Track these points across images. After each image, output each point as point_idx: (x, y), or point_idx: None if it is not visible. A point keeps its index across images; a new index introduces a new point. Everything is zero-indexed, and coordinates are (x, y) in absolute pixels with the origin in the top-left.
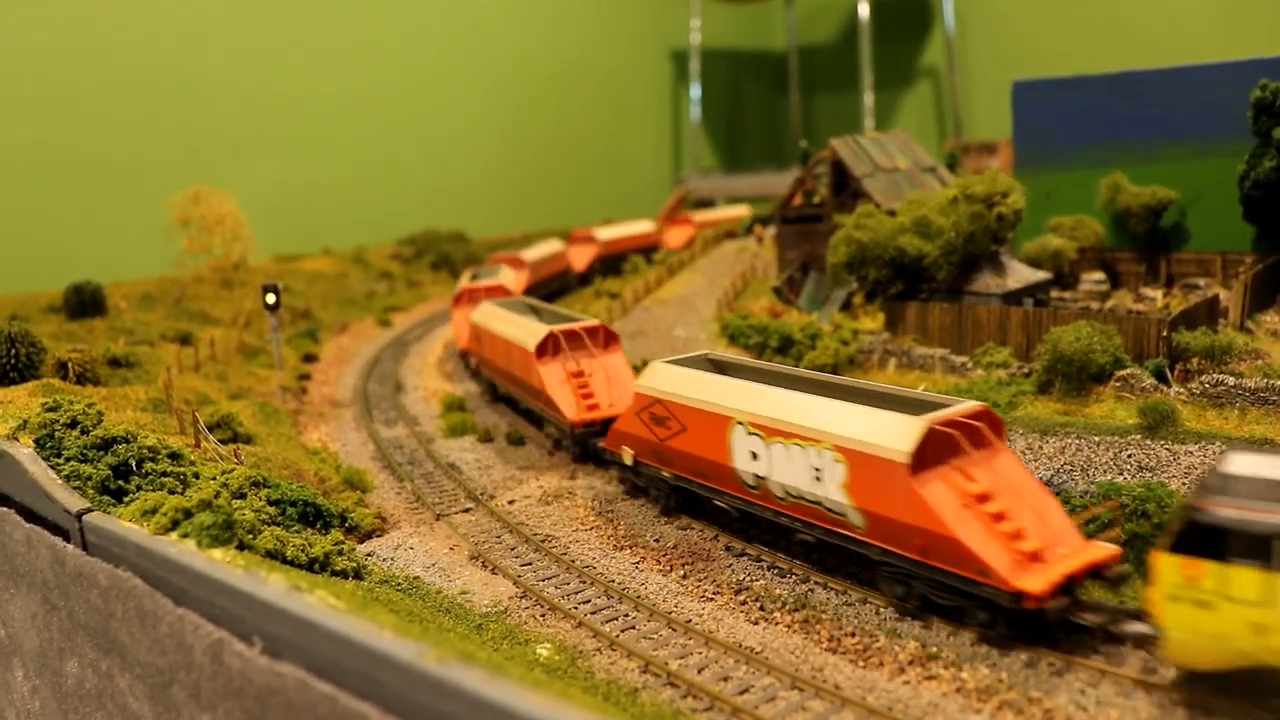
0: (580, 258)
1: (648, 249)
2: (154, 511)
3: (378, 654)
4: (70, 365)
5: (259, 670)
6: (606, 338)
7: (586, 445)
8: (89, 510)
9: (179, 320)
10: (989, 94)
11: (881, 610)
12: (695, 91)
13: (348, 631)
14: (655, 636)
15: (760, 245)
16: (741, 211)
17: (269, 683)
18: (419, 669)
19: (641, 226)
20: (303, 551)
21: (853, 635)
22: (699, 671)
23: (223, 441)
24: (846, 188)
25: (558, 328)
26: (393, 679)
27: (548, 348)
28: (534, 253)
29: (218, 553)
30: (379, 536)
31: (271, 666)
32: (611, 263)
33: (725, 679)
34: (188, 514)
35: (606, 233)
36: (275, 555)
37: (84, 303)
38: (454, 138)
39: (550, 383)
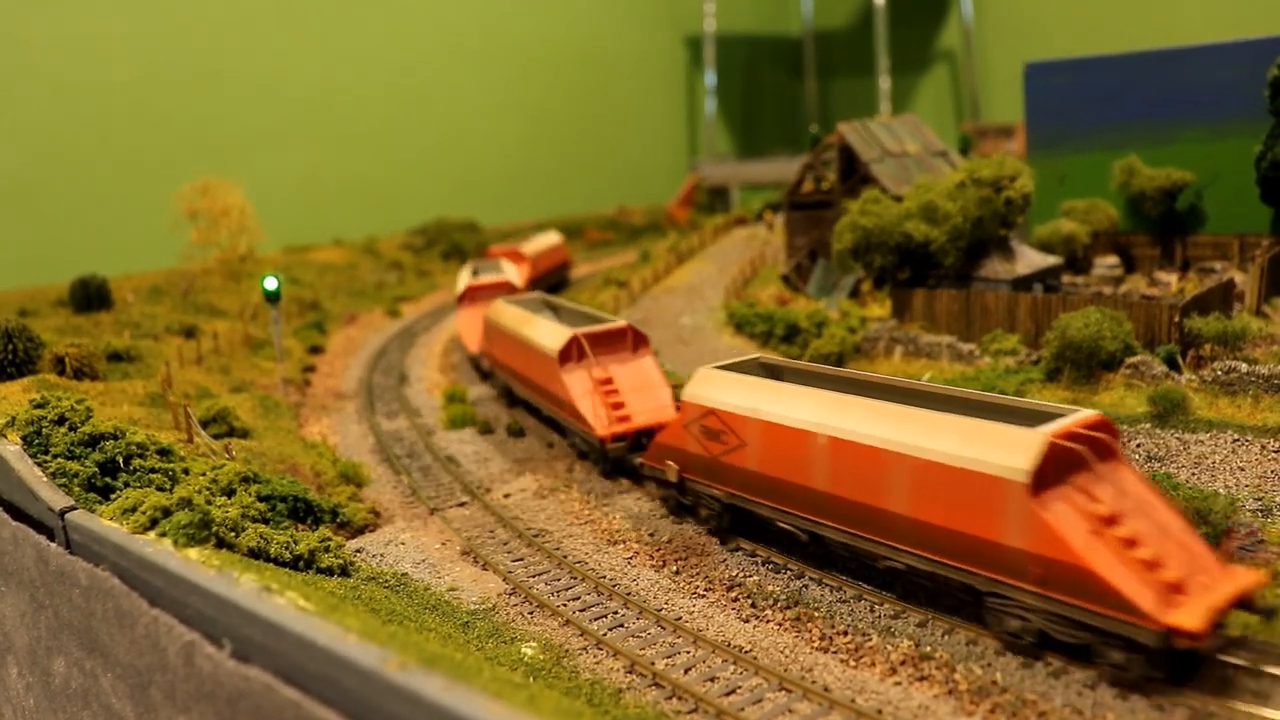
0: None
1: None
2: (134, 510)
3: (339, 658)
4: (67, 360)
5: (228, 673)
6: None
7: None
8: (72, 508)
9: (186, 313)
10: (1006, 77)
11: (876, 608)
12: (710, 78)
13: (312, 635)
14: (643, 635)
15: (770, 232)
16: (556, 239)
17: (238, 686)
18: (379, 675)
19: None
20: (287, 549)
21: (845, 634)
22: (685, 672)
23: (218, 436)
24: (855, 173)
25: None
26: (355, 685)
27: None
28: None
29: (193, 552)
30: (371, 531)
31: (239, 670)
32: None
33: (712, 679)
34: (166, 512)
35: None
36: (258, 554)
37: (90, 296)
38: (466, 126)
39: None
